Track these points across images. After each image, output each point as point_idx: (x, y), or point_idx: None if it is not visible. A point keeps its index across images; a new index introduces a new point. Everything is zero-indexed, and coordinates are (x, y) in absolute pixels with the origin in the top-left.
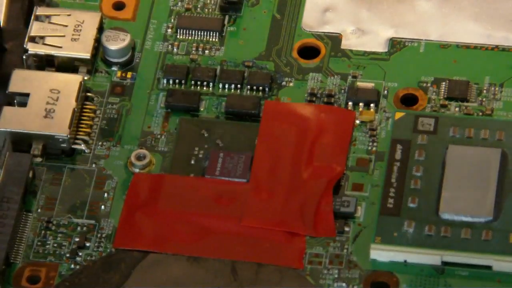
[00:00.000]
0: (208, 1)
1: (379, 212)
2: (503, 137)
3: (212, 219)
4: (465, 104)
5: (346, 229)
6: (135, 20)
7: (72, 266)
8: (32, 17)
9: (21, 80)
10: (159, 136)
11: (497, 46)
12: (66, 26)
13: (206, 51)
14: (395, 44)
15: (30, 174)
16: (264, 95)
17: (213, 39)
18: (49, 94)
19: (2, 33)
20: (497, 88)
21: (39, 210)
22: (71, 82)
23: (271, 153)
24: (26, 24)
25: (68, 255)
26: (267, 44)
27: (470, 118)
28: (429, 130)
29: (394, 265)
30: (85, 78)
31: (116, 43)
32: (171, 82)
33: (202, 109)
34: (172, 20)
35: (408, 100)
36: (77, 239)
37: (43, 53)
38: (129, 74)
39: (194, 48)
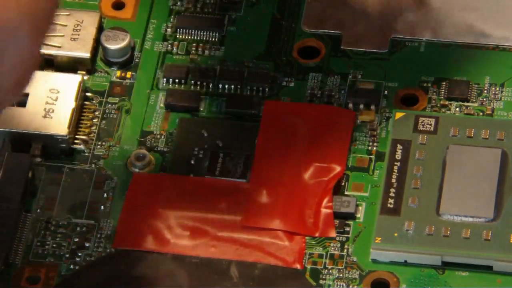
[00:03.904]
0: (208, 1)
1: (379, 212)
2: (504, 137)
3: (212, 219)
4: (466, 104)
5: (346, 229)
6: (134, 20)
7: (72, 266)
8: None
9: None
10: (158, 136)
11: (497, 46)
12: (66, 25)
13: (206, 51)
14: (395, 44)
15: (30, 174)
16: (264, 95)
17: (213, 39)
18: (48, 94)
19: None
20: (497, 88)
21: (38, 210)
22: (70, 82)
23: (271, 153)
24: None
25: (67, 255)
26: (267, 44)
27: (470, 118)
28: (430, 130)
29: (394, 265)
30: (85, 78)
31: (115, 42)
32: (170, 82)
33: (202, 109)
34: (171, 19)
35: (409, 100)
36: (76, 240)
37: (42, 53)
38: (128, 74)
39: (193, 48)
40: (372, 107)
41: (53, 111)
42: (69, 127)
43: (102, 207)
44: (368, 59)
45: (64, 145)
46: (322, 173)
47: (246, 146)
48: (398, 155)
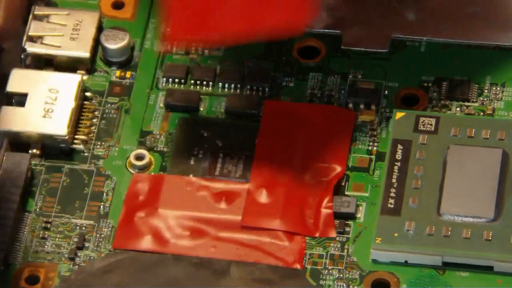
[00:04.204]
0: None
1: (379, 212)
2: (504, 137)
3: (212, 219)
4: (466, 104)
5: (347, 229)
6: (134, 20)
7: (71, 266)
8: (31, 16)
9: (19, 79)
10: (158, 136)
11: (498, 46)
12: (65, 25)
13: (206, 51)
14: (395, 44)
15: (29, 174)
16: (264, 95)
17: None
18: (48, 93)
19: (0, 33)
20: (498, 88)
21: (37, 210)
22: (70, 81)
23: (271, 153)
24: (25, 23)
25: (67, 255)
26: (267, 44)
27: (471, 118)
28: (430, 130)
29: (395, 266)
30: (84, 77)
31: (115, 42)
32: (170, 81)
33: (201, 109)
34: None
35: (409, 100)
36: (76, 240)
37: (41, 53)
38: (128, 74)
39: (193, 48)
40: (372, 107)
41: (52, 111)
42: (68, 127)
43: (101, 207)
44: (368, 59)
45: (63, 145)
46: (322, 173)
47: (246, 146)
48: (399, 155)
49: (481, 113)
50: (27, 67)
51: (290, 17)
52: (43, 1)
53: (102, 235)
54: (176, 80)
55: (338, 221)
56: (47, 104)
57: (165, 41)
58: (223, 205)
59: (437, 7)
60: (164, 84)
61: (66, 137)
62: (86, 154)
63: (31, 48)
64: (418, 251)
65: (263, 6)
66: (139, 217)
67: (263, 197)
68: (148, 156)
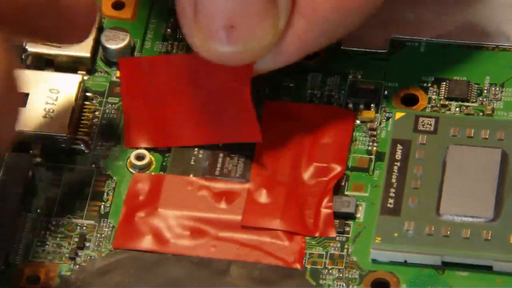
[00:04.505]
0: None
1: (379, 212)
2: (504, 137)
3: (212, 219)
4: (466, 104)
5: (346, 229)
6: (134, 20)
7: (72, 266)
8: None
9: (20, 80)
10: None
11: (497, 46)
12: None
13: None
14: (395, 44)
15: (30, 174)
16: (264, 95)
17: None
18: (48, 94)
19: None
20: (497, 88)
21: (38, 210)
22: (70, 82)
23: (271, 153)
24: None
25: (67, 255)
26: None
27: (470, 118)
28: (430, 130)
29: (394, 265)
30: (85, 78)
31: (115, 42)
32: None
33: None
34: (171, 19)
35: (409, 100)
36: (76, 240)
37: (42, 53)
38: None
39: None
40: (372, 107)
41: (53, 111)
42: (69, 127)
43: (102, 207)
44: (368, 59)
45: (64, 145)
46: (322, 173)
47: (246, 146)
48: (398, 155)
49: (480, 113)
50: (28, 67)
51: (244, 128)
52: None
53: (103, 235)
54: None
55: (338, 221)
56: (48, 104)
57: (126, 145)
58: (223, 205)
59: (436, 7)
60: None
61: (67, 137)
62: (87, 154)
63: (32, 48)
64: (417, 251)
65: (215, 119)
66: (139, 217)
67: (263, 197)
68: (148, 156)
